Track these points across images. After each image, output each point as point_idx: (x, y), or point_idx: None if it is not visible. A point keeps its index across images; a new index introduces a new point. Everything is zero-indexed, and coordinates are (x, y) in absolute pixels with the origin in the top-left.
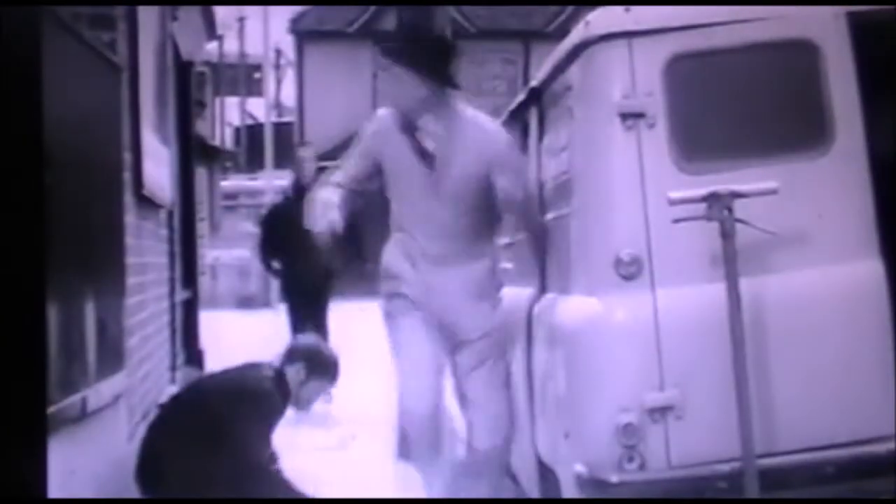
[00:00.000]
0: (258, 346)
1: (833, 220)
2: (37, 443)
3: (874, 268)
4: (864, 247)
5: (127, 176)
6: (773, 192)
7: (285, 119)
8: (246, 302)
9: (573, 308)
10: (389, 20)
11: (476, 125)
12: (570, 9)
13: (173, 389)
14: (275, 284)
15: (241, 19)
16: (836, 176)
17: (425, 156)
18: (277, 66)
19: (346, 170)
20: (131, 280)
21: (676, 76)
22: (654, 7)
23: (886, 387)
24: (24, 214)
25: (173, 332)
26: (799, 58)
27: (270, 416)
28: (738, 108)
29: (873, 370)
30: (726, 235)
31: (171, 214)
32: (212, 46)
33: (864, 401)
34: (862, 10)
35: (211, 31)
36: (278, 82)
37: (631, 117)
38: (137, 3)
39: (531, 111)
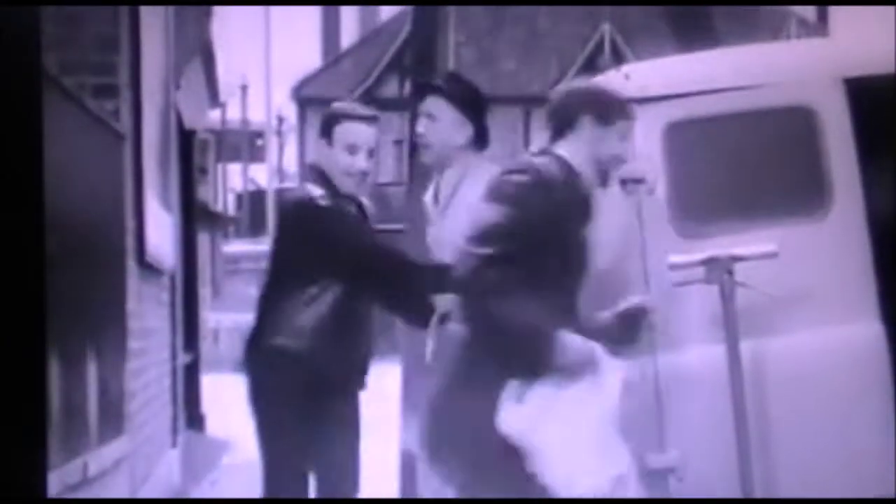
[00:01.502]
0: None
1: (833, 282)
2: (37, 444)
3: (874, 330)
4: (864, 309)
5: (130, 242)
6: (773, 255)
7: (287, 185)
8: None
9: None
10: (391, 87)
11: None
12: (570, 75)
13: (174, 454)
14: None
15: (244, 87)
16: (836, 239)
17: None
18: (279, 133)
19: None
20: (133, 344)
21: (675, 142)
22: (654, 74)
23: (888, 449)
24: (27, 281)
25: (175, 395)
26: (797, 123)
27: None
28: (737, 172)
29: (874, 433)
30: (726, 298)
31: (172, 279)
32: (214, 113)
33: (866, 463)
34: (860, 75)
35: (214, 98)
36: (280, 148)
37: (631, 182)
38: (138, 3)
39: None
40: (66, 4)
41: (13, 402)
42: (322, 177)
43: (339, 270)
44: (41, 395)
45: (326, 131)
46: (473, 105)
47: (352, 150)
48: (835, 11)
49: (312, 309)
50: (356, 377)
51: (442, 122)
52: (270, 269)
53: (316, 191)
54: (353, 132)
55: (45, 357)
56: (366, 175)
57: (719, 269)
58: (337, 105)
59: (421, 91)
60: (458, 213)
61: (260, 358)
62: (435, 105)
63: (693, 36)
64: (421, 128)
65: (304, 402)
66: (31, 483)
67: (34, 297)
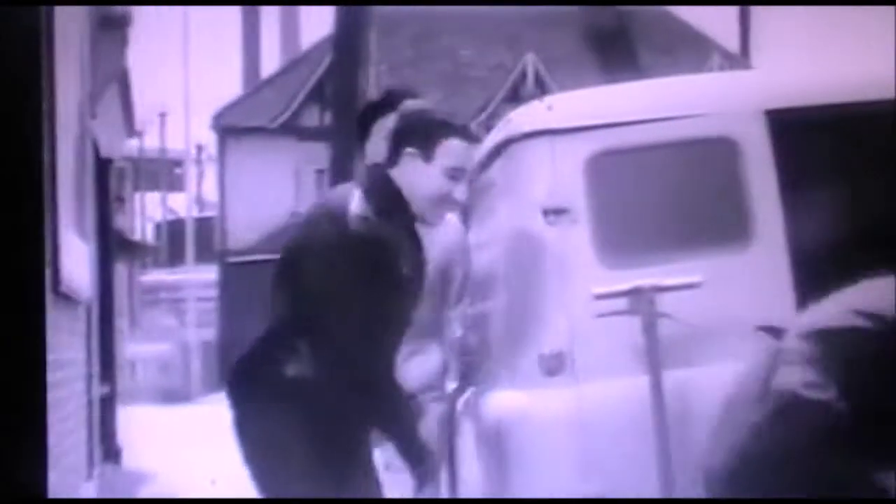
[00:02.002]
0: (179, 440)
1: (755, 313)
2: (36, 443)
3: None
4: None
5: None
6: (696, 285)
7: (207, 214)
8: (166, 396)
9: (498, 402)
10: (312, 116)
11: None
12: (493, 104)
13: (90, 487)
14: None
15: (163, 115)
16: (757, 270)
17: None
18: (199, 161)
19: None
20: (47, 377)
21: (599, 173)
22: (577, 105)
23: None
24: (26, 280)
25: (90, 428)
26: (719, 155)
27: None
28: (660, 203)
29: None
30: (649, 329)
31: (88, 310)
32: (132, 142)
33: (788, 492)
34: (781, 107)
35: (131, 126)
36: (199, 177)
37: (554, 213)
38: (139, 3)
39: None
40: (66, 4)
41: (13, 401)
42: (394, 195)
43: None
44: (41, 395)
45: (427, 144)
46: None
47: (455, 174)
48: (757, 44)
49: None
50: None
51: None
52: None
53: (368, 208)
54: (462, 154)
55: (46, 357)
56: (458, 207)
57: (642, 300)
58: (446, 116)
59: (380, 110)
60: None
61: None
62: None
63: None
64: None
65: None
66: (31, 483)
67: (34, 296)
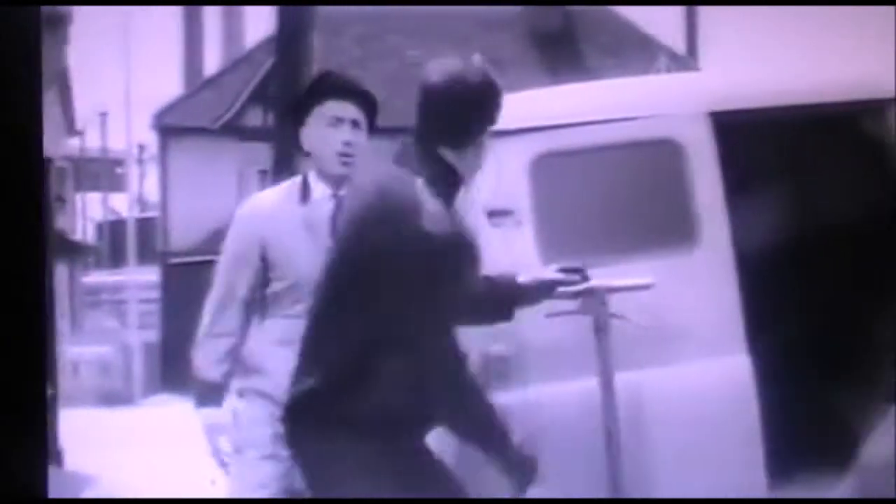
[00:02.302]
0: (120, 442)
1: (701, 315)
2: (37, 443)
3: (741, 362)
4: (732, 341)
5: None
6: (647, 287)
7: (149, 214)
8: (108, 398)
9: None
10: (255, 117)
11: None
12: None
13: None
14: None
15: (103, 114)
16: (703, 272)
17: None
18: (140, 161)
19: None
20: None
21: (543, 174)
22: (521, 106)
23: (758, 478)
24: (28, 281)
25: None
26: (664, 156)
27: None
28: (605, 205)
29: (744, 466)
30: (600, 330)
31: None
32: (73, 141)
33: (737, 493)
34: (725, 109)
35: (71, 126)
36: (141, 177)
37: (498, 214)
38: (133, 3)
39: None
40: (66, 4)
41: (12, 401)
42: (457, 181)
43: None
44: (41, 394)
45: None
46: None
47: None
48: (704, 46)
49: None
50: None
51: (363, 130)
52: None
53: (439, 202)
54: None
55: (45, 357)
56: None
57: (594, 301)
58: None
59: (317, 97)
60: None
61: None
62: (347, 109)
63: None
64: (347, 135)
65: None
66: (31, 483)
67: (35, 296)
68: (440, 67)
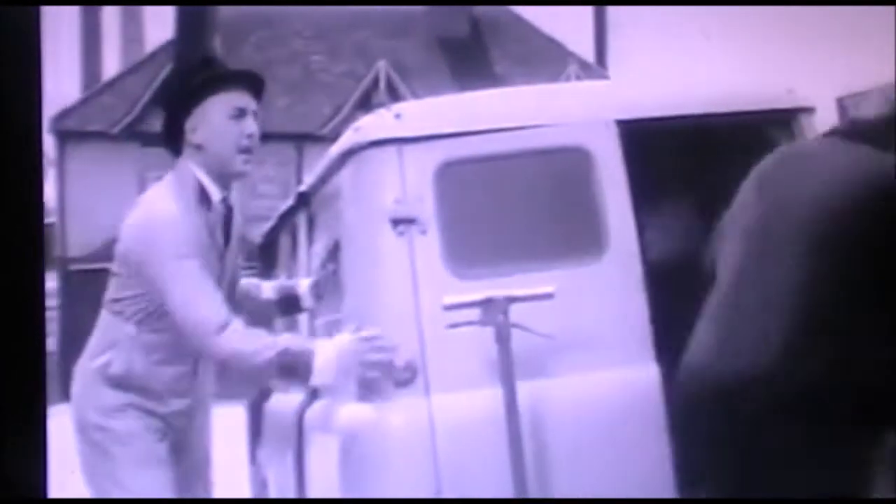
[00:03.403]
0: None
1: (609, 324)
2: (36, 443)
3: (649, 372)
4: (640, 351)
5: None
6: (549, 296)
7: (46, 220)
8: None
9: (347, 415)
10: (154, 122)
11: None
12: (344, 112)
13: None
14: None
15: None
16: (611, 281)
17: None
18: None
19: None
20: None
21: (448, 182)
22: (426, 113)
23: (666, 487)
24: (24, 284)
25: None
26: (572, 164)
27: None
28: (512, 213)
29: (652, 475)
30: (501, 340)
31: None
32: None
33: (646, 496)
34: (633, 118)
35: None
36: None
37: (402, 223)
38: (132, 3)
39: (300, 216)
40: (66, 4)
41: (12, 401)
42: None
43: None
44: (40, 394)
45: None
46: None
47: None
48: (614, 55)
49: None
50: None
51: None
52: None
53: None
54: None
55: (45, 356)
56: None
57: (494, 311)
58: None
59: (228, 80)
60: None
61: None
62: (246, 99)
63: (471, 76)
64: (251, 127)
65: None
66: (31, 483)
67: (32, 297)
68: None
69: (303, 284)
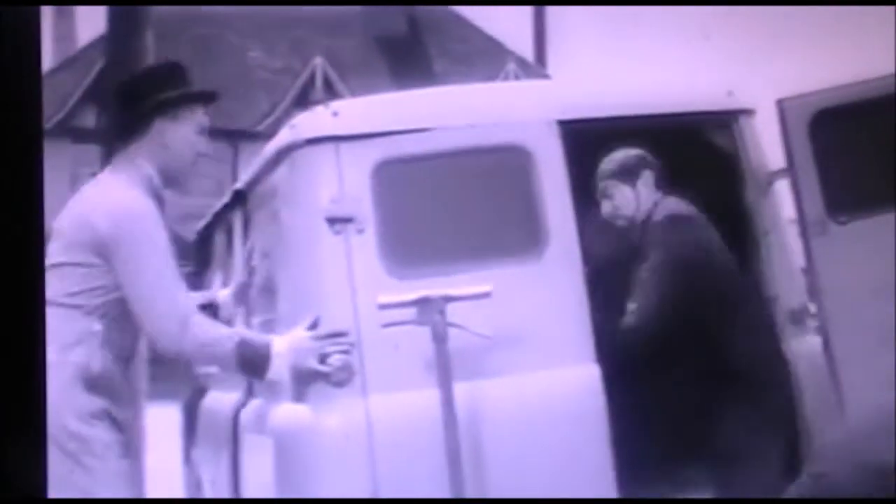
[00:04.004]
0: None
1: (549, 324)
2: (36, 443)
3: (590, 371)
4: (580, 351)
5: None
6: (486, 295)
7: None
8: None
9: (283, 415)
10: (89, 117)
11: None
12: (280, 109)
13: None
14: None
15: None
16: (551, 280)
17: None
18: None
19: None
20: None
21: (385, 181)
22: (364, 111)
23: (608, 489)
24: (23, 285)
25: None
26: (512, 163)
27: None
28: (451, 212)
29: (592, 475)
30: (438, 339)
31: None
32: None
33: (588, 496)
34: (574, 118)
35: None
36: None
37: (339, 222)
38: (129, 3)
39: (236, 214)
40: (66, 4)
41: (12, 401)
42: None
43: None
44: (41, 394)
45: None
46: None
47: None
48: (553, 54)
49: None
50: None
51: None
52: None
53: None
54: None
55: (45, 356)
56: None
57: (431, 310)
58: None
59: (207, 100)
60: None
61: None
62: (206, 120)
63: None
64: (206, 148)
65: None
66: (30, 483)
67: (32, 297)
68: None
69: (222, 294)
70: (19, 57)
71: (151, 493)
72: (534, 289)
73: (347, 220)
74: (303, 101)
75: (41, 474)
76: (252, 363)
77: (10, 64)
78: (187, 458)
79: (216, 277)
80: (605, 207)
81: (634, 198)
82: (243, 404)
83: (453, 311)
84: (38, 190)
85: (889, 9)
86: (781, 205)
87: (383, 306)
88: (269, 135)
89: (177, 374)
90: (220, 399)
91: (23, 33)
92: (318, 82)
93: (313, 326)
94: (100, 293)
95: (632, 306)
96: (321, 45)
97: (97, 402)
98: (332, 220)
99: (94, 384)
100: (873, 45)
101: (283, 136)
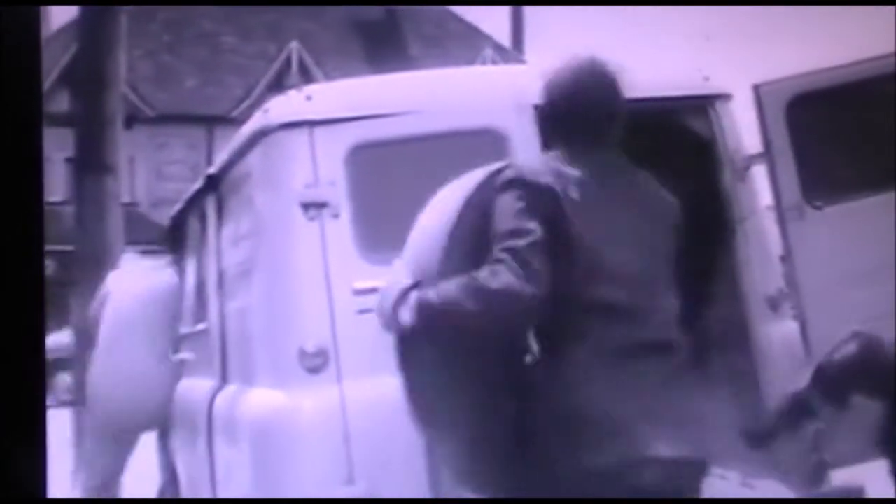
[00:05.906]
0: None
1: None
2: (36, 442)
3: None
4: None
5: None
6: None
7: None
8: None
9: (258, 401)
10: (62, 102)
11: None
12: (255, 94)
13: None
14: None
15: None
16: None
17: None
18: None
19: None
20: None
21: (360, 165)
22: (337, 95)
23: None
24: (24, 282)
25: None
26: (487, 147)
27: None
28: (426, 197)
29: None
30: None
31: None
32: None
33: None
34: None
35: None
36: None
37: (314, 207)
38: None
39: (209, 199)
40: (66, 4)
41: (12, 401)
42: None
43: None
44: (41, 394)
45: None
46: None
47: None
48: (530, 39)
49: None
50: None
51: None
52: None
53: None
54: None
55: (45, 357)
56: None
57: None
58: None
59: None
60: None
61: None
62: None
63: (386, 58)
64: None
65: None
66: (30, 483)
67: (33, 296)
68: None
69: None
70: (19, 57)
71: (127, 481)
72: None
73: (322, 205)
74: (278, 85)
75: (41, 474)
76: None
77: (10, 64)
78: (163, 446)
79: (190, 262)
80: None
81: None
82: (218, 390)
83: None
84: (38, 189)
85: (889, 9)
86: (759, 191)
87: (359, 292)
88: (243, 120)
89: None
90: (195, 386)
91: (23, 33)
92: (294, 66)
93: None
94: None
95: None
96: (296, 28)
97: None
98: (306, 206)
99: None
100: (870, 43)
101: (257, 121)
